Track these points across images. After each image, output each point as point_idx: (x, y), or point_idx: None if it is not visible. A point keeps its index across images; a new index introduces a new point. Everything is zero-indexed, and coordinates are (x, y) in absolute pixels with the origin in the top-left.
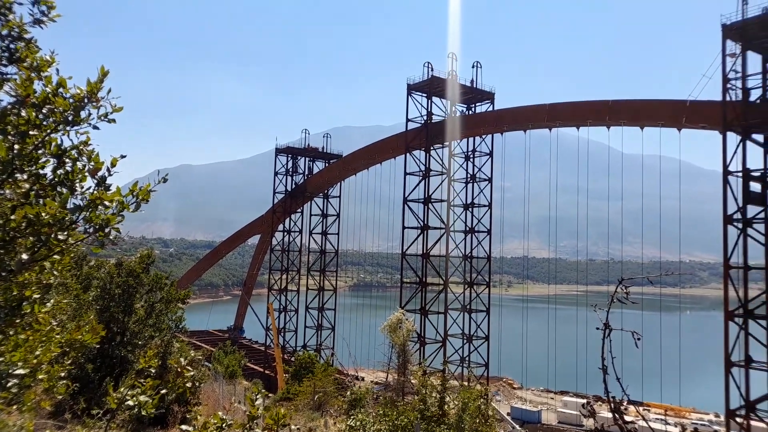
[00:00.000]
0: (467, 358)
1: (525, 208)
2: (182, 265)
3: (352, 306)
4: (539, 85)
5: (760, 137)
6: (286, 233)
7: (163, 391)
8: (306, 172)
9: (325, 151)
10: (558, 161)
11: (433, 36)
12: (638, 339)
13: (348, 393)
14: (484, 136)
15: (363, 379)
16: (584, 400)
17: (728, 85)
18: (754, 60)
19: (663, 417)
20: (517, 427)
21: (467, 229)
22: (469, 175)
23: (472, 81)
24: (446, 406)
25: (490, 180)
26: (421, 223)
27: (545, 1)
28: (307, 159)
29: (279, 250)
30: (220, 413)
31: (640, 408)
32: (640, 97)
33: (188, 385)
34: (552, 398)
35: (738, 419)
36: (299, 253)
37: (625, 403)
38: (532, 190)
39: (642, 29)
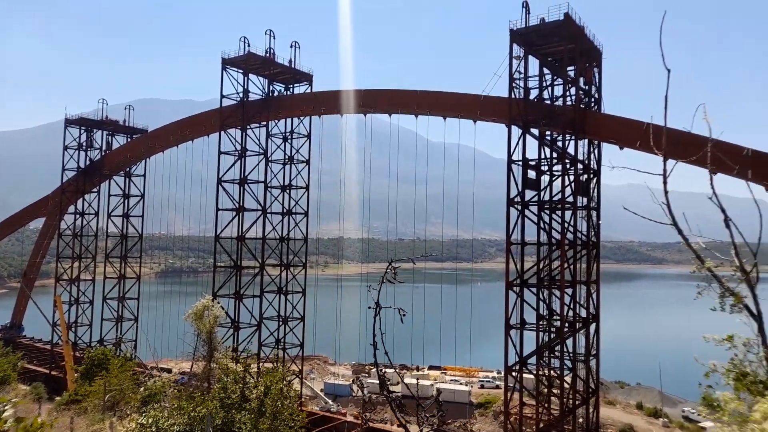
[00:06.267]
0: (282, 340)
1: (341, 190)
2: None
3: (159, 294)
4: (362, 70)
5: (536, 131)
6: (78, 216)
7: None
8: (104, 148)
9: (127, 124)
10: (372, 146)
11: (253, 12)
12: (403, 315)
13: (141, 389)
14: (302, 118)
15: (170, 371)
16: (392, 370)
17: (513, 84)
18: (536, 63)
19: (457, 378)
20: (329, 401)
21: (284, 210)
22: (286, 157)
23: (290, 61)
24: (248, 391)
25: (308, 162)
26: (237, 205)
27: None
28: (105, 133)
29: (70, 235)
30: None
31: (438, 372)
32: (446, 88)
33: None
34: (365, 372)
35: (514, 373)
36: (95, 238)
37: (426, 369)
38: (347, 173)
39: (457, 26)
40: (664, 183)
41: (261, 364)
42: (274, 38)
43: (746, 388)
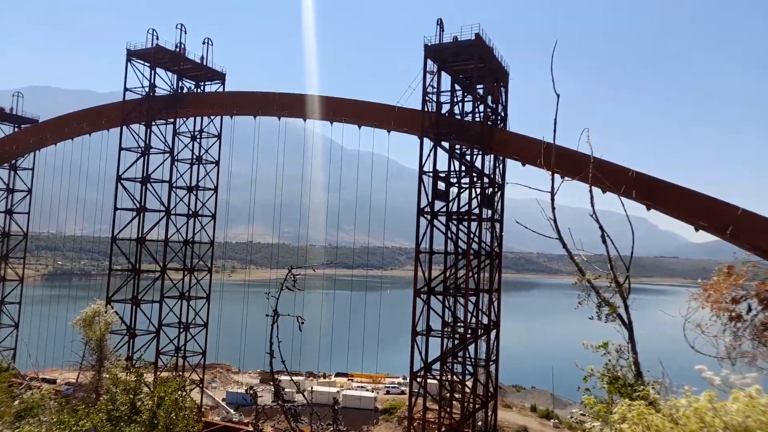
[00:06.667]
0: (183, 348)
1: (252, 193)
2: None
3: (45, 298)
4: (274, 73)
5: (447, 145)
6: None
7: None
8: None
9: (14, 112)
10: (286, 150)
11: (164, 6)
12: (302, 323)
13: (16, 402)
14: (213, 117)
15: (54, 381)
16: (300, 378)
17: (426, 98)
18: (448, 79)
19: (363, 384)
20: (231, 411)
21: (190, 212)
22: (194, 156)
23: (202, 57)
24: (139, 403)
25: (217, 163)
26: (138, 205)
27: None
28: None
29: None
30: None
31: (345, 379)
32: (362, 98)
33: None
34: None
35: (418, 379)
36: None
37: (333, 376)
38: (259, 176)
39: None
40: (552, 199)
41: (158, 373)
42: (185, 33)
43: (617, 391)
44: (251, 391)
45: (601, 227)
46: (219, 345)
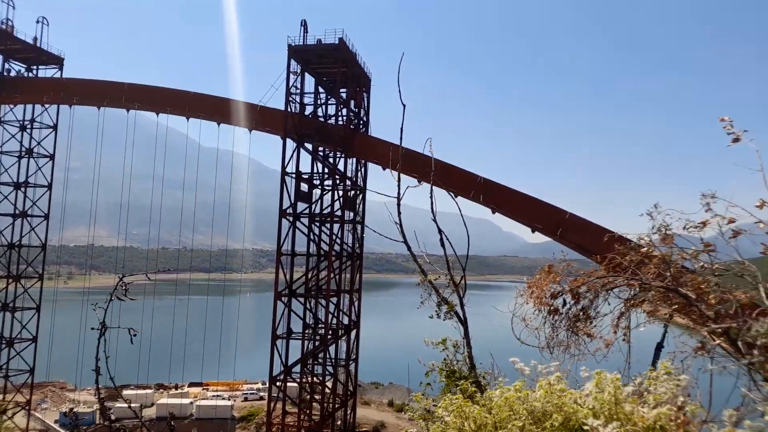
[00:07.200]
0: (5, 366)
1: (94, 192)
2: None
3: None
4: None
5: (310, 146)
6: None
7: None
8: None
9: None
10: (135, 145)
11: None
12: (134, 335)
13: None
14: (47, 106)
15: None
16: (149, 391)
17: (290, 98)
18: (312, 81)
19: (219, 393)
20: None
21: (17, 212)
22: (24, 149)
23: (35, 38)
24: None
25: (52, 157)
26: None
27: None
28: None
29: None
30: None
31: (200, 388)
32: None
33: None
34: (120, 396)
35: (278, 383)
36: None
37: (186, 387)
38: (103, 173)
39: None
40: (398, 204)
41: None
42: (14, 8)
43: (454, 384)
44: (71, 414)
45: (440, 230)
46: (51, 361)
